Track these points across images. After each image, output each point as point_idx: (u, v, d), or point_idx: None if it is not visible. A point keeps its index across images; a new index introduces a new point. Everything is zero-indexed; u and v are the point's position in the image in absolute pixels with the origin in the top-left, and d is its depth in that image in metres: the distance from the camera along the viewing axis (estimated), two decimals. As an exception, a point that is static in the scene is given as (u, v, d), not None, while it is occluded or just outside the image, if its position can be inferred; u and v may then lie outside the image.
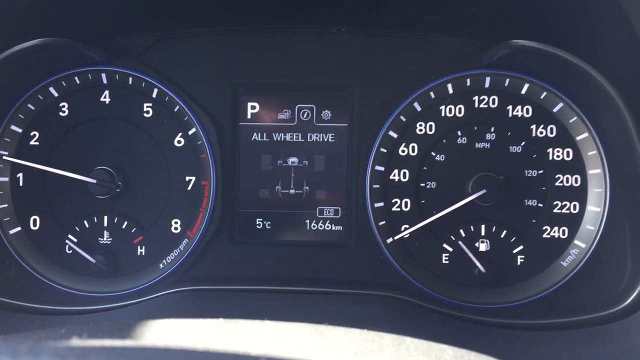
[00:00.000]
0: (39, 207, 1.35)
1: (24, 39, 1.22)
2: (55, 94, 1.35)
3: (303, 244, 1.34)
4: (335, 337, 0.69)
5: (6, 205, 1.35)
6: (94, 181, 1.31)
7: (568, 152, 1.28)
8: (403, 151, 1.31)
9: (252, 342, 0.68)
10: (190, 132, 1.34)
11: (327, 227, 1.35)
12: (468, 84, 1.29)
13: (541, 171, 1.28)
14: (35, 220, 1.36)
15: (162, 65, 1.34)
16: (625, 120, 1.16)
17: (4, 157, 1.33)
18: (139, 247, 1.35)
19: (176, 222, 1.35)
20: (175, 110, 1.34)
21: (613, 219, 1.24)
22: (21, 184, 1.35)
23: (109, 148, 1.34)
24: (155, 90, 1.33)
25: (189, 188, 1.34)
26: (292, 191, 1.35)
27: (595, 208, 1.26)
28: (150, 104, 1.34)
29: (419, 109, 1.30)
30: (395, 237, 1.30)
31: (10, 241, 1.34)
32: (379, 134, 1.30)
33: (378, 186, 1.31)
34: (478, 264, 1.27)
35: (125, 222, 1.35)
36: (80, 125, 1.35)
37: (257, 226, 1.35)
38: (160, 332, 0.67)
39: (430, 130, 1.31)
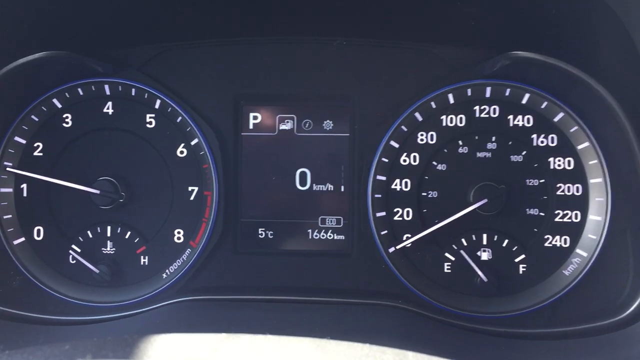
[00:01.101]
0: (43, 218, 1.36)
1: (28, 51, 1.23)
2: (59, 105, 1.36)
3: (305, 254, 1.35)
4: (337, 354, 0.70)
5: (10, 215, 1.35)
6: (98, 192, 1.32)
7: (569, 161, 1.28)
8: (404, 161, 1.32)
9: (254, 357, 0.69)
10: (192, 143, 1.34)
11: (330, 236, 1.35)
12: (469, 93, 1.30)
13: (542, 180, 1.28)
14: (39, 230, 1.36)
15: (164, 76, 1.35)
16: (625, 129, 1.17)
17: (8, 169, 1.34)
18: (142, 257, 1.36)
19: (179, 232, 1.35)
20: (178, 121, 1.34)
21: (615, 227, 1.24)
22: (25, 194, 1.36)
23: (112, 159, 1.35)
24: (158, 101, 1.34)
25: (192, 198, 1.35)
26: (294, 201, 1.36)
27: (597, 217, 1.26)
28: (153, 115, 1.35)
29: (420, 118, 1.31)
30: (397, 247, 1.30)
31: (15, 251, 1.35)
32: (380, 144, 1.31)
33: (380, 196, 1.32)
34: (480, 273, 1.27)
35: (129, 232, 1.36)
36: (84, 136, 1.36)
37: (260, 236, 1.36)
38: (163, 350, 0.67)
39: (432, 139, 1.31)
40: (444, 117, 1.31)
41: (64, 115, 1.36)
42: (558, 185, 1.28)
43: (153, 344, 0.70)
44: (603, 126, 1.23)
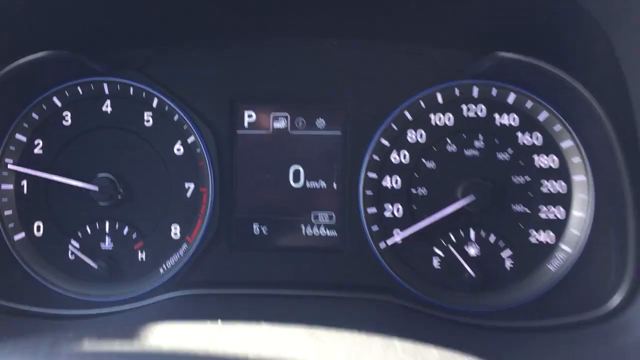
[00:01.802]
0: (43, 214, 1.39)
1: (29, 51, 1.26)
2: (59, 104, 1.38)
3: (299, 249, 1.37)
4: (329, 340, 0.73)
5: (11, 212, 1.38)
6: (96, 188, 1.35)
7: (554, 160, 1.31)
8: (395, 158, 1.35)
9: (250, 345, 0.72)
10: (189, 141, 1.37)
11: (322, 232, 1.38)
12: (457, 93, 1.33)
13: (528, 177, 1.32)
14: (39, 226, 1.39)
15: (162, 76, 1.37)
16: (607, 129, 1.19)
17: (9, 166, 1.37)
18: (139, 252, 1.38)
19: (175, 228, 1.38)
20: (175, 119, 1.37)
21: (598, 224, 1.27)
22: (25, 191, 1.38)
23: (110, 156, 1.38)
24: (156, 100, 1.37)
25: (188, 195, 1.37)
26: (287, 197, 1.39)
27: (581, 213, 1.29)
28: (150, 113, 1.38)
29: (410, 117, 1.34)
30: (388, 242, 1.33)
31: (15, 247, 1.38)
32: (371, 142, 1.34)
33: (371, 192, 1.34)
34: (468, 268, 1.30)
35: (126, 228, 1.38)
36: (83, 134, 1.38)
37: (255, 232, 1.39)
38: (163, 336, 0.70)
39: (421, 138, 1.34)
40: (433, 116, 1.34)
41: (64, 114, 1.38)
42: (543, 182, 1.31)
43: (153, 333, 0.73)
44: (586, 126, 1.26)
